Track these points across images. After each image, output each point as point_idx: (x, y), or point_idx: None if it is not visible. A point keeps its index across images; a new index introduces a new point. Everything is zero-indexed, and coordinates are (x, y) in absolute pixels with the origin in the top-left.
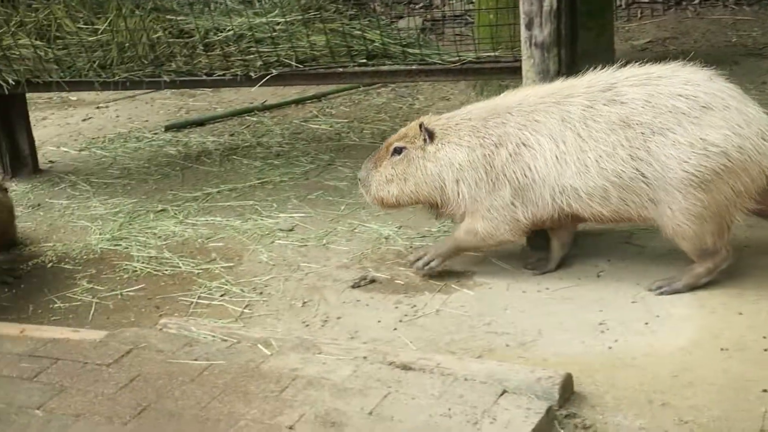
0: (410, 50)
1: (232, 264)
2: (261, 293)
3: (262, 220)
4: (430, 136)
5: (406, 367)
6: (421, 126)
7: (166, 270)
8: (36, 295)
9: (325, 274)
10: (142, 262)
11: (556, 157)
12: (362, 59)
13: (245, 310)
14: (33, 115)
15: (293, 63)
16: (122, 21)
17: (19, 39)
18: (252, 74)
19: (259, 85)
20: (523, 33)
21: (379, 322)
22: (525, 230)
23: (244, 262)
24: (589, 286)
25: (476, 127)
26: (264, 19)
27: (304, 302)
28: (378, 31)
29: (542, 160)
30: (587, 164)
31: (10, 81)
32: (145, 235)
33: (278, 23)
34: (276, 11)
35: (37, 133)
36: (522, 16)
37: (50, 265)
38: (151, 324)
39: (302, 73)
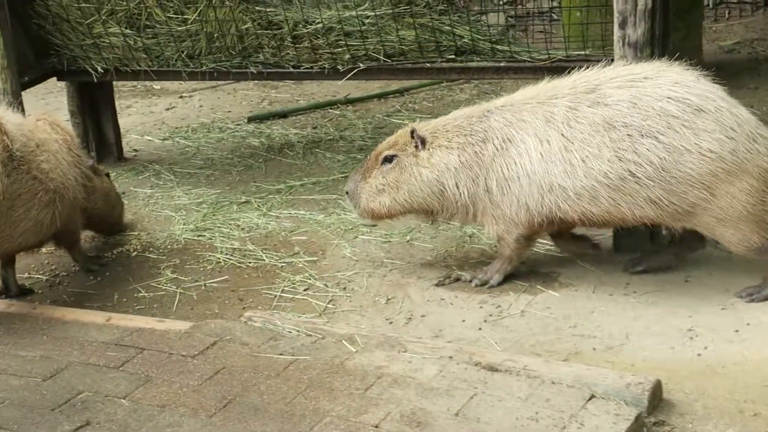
0: (499, 47)
1: (315, 258)
2: (344, 288)
3: (345, 214)
4: (422, 142)
5: (492, 369)
6: (413, 133)
7: (250, 262)
8: (121, 284)
9: (409, 271)
10: (226, 254)
11: (541, 155)
12: (450, 55)
13: (329, 305)
14: (117, 104)
15: (381, 57)
16: (212, 11)
17: (110, 27)
18: (339, 67)
19: (346, 79)
20: (617, 32)
21: (463, 321)
22: (528, 230)
23: (328, 256)
24: (677, 291)
25: (462, 125)
26: (353, 13)
27: (388, 299)
28: (467, 27)
29: (527, 157)
30: (573, 164)
31: (99, 69)
32: (228, 226)
33: (368, 17)
34: (366, 5)
35: (122, 122)
36: (616, 15)
37: (134, 254)
38: (235, 316)
39: (390, 67)
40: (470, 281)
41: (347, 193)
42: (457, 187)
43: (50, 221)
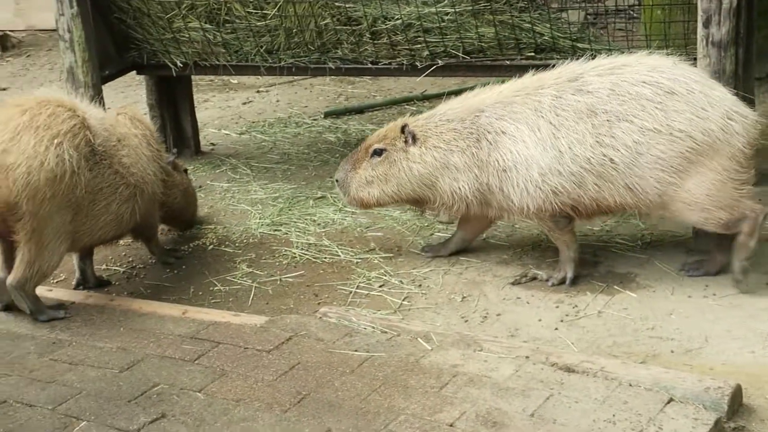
0: (580, 45)
1: (390, 255)
2: (420, 286)
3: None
4: (413, 138)
5: (569, 369)
6: (404, 128)
7: (325, 258)
8: (197, 277)
9: (485, 269)
10: (302, 249)
11: (535, 142)
12: (530, 52)
13: (404, 302)
14: (195, 97)
15: (460, 54)
16: (291, 7)
17: (190, 22)
18: (418, 64)
19: (425, 76)
20: (700, 31)
21: (539, 320)
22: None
23: (403, 253)
24: (758, 294)
25: (456, 129)
26: (433, 9)
27: (464, 297)
28: (548, 25)
29: (522, 145)
30: (561, 150)
31: (179, 63)
32: (304, 221)
33: (447, 13)
34: (445, 1)
35: (199, 115)
36: (700, 13)
37: (211, 247)
38: (310, 311)
39: (468, 64)
40: (546, 280)
41: (337, 181)
42: (456, 182)
43: (130, 215)
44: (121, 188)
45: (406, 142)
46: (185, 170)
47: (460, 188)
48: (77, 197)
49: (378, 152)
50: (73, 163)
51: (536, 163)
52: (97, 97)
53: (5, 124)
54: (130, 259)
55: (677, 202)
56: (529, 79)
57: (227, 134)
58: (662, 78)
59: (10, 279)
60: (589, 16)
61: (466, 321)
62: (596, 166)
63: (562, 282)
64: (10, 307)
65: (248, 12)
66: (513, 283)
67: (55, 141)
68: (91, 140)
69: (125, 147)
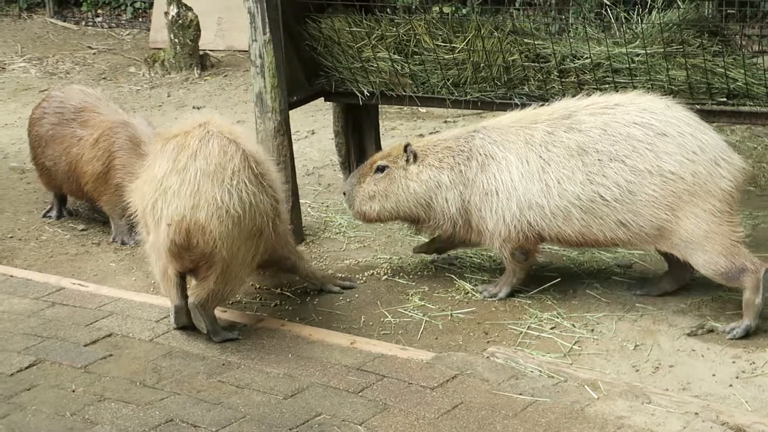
0: None
1: (564, 296)
2: (592, 330)
3: (599, 253)
4: (414, 157)
5: (739, 430)
6: (406, 147)
7: None
8: (368, 307)
9: (661, 317)
10: (474, 284)
11: (521, 174)
12: (722, 98)
13: (574, 347)
14: (382, 125)
15: None
16: (480, 41)
17: (379, 52)
18: None
19: None
20: None
21: (713, 375)
22: (516, 244)
23: (578, 295)
24: None
25: (451, 147)
26: (624, 50)
27: (636, 345)
28: (742, 70)
29: (507, 174)
30: (549, 185)
31: (366, 92)
32: (480, 257)
33: (638, 54)
34: (637, 42)
35: (385, 143)
36: None
37: (385, 277)
38: (479, 350)
39: None
40: (725, 332)
41: (344, 194)
42: (447, 202)
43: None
44: (271, 207)
45: (407, 160)
46: None
47: (448, 206)
48: (257, 224)
49: (381, 168)
50: (250, 196)
51: (517, 195)
52: (284, 122)
53: (183, 173)
54: (305, 284)
55: (676, 239)
56: (527, 112)
57: None
58: (653, 120)
59: (193, 298)
60: None
61: (637, 371)
62: (585, 203)
63: (746, 333)
64: (185, 327)
65: (437, 45)
66: (689, 335)
67: (234, 182)
68: (256, 166)
69: (272, 174)
